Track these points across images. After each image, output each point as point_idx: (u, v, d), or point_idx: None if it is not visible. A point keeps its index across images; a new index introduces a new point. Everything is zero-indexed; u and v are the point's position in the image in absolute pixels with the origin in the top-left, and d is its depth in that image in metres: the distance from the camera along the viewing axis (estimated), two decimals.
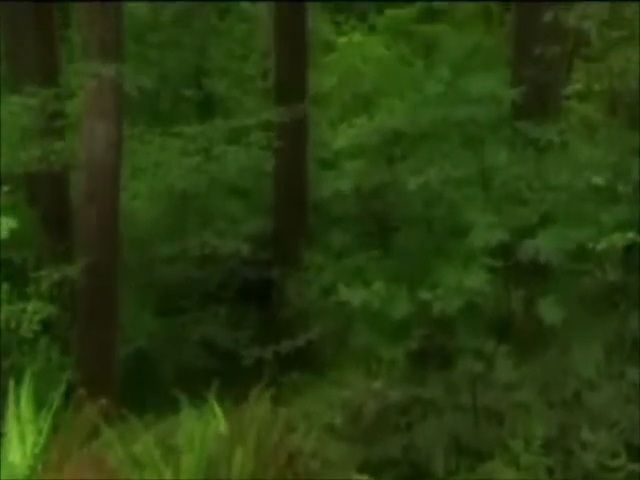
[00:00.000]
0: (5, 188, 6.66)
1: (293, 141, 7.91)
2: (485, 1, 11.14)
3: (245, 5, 10.99)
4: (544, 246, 5.53)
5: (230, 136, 7.96)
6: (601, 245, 5.53)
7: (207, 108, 9.56)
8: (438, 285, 5.33)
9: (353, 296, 5.53)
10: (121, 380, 5.97)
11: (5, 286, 5.69)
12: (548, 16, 6.06)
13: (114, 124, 5.80)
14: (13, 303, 5.50)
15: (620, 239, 5.59)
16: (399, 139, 7.64)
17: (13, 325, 5.38)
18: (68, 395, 5.31)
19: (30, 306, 5.43)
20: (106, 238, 5.82)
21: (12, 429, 4.91)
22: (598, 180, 6.01)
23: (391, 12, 11.22)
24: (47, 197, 7.34)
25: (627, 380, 5.34)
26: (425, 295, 5.27)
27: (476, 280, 5.31)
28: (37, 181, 7.21)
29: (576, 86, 8.31)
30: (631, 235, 5.58)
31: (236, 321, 7.61)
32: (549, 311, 5.47)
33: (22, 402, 5.03)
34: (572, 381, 5.31)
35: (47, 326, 5.79)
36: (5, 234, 5.09)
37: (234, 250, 7.39)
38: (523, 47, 7.35)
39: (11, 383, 5.05)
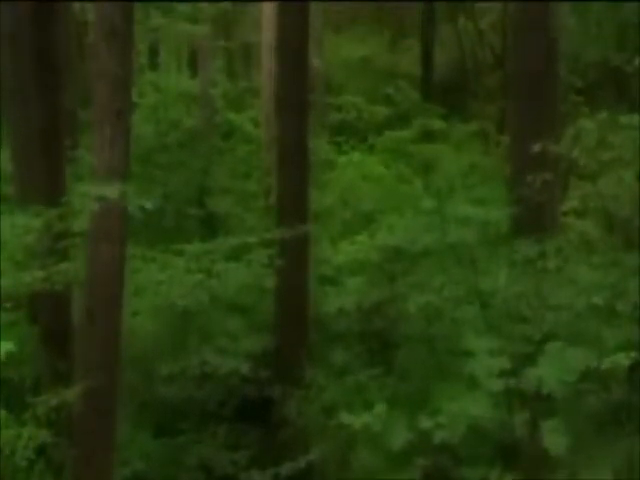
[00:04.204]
0: (7, 305, 6.66)
1: (294, 258, 7.95)
2: None
3: (248, 127, 11.32)
4: (546, 376, 5.48)
5: (232, 253, 8.03)
6: (605, 365, 5.49)
7: (210, 226, 9.69)
8: (439, 411, 5.26)
9: (354, 420, 5.43)
10: None
11: (3, 411, 5.58)
12: (536, 147, 6.23)
13: (118, 245, 5.85)
14: (9, 428, 5.39)
15: (624, 358, 5.56)
16: (399, 256, 7.71)
17: (7, 451, 5.26)
18: None
19: (25, 432, 5.31)
20: (107, 360, 5.76)
21: None
22: (597, 300, 6.03)
23: (390, 133, 11.54)
24: (48, 315, 7.33)
25: None
26: (426, 423, 5.19)
27: (479, 407, 5.24)
28: (39, 299, 7.23)
29: (572, 203, 8.45)
30: (634, 354, 5.56)
31: (235, 441, 7.45)
32: (553, 440, 5.36)
33: None
34: None
35: (42, 450, 5.66)
36: (3, 356, 5.04)
37: (234, 368, 7.32)
38: (519, 168, 7.53)
39: None
